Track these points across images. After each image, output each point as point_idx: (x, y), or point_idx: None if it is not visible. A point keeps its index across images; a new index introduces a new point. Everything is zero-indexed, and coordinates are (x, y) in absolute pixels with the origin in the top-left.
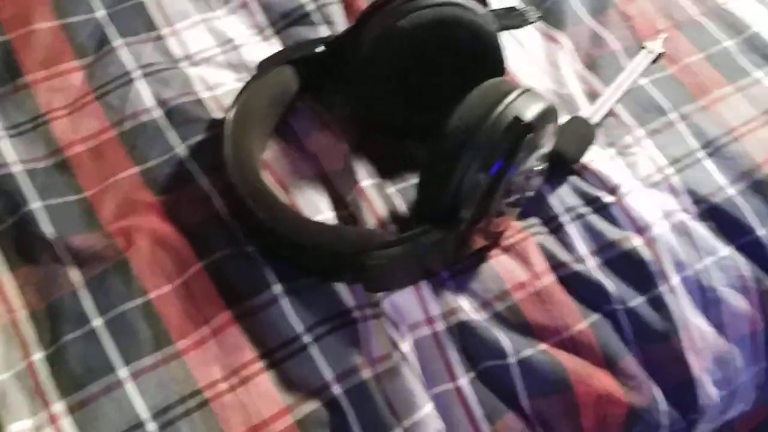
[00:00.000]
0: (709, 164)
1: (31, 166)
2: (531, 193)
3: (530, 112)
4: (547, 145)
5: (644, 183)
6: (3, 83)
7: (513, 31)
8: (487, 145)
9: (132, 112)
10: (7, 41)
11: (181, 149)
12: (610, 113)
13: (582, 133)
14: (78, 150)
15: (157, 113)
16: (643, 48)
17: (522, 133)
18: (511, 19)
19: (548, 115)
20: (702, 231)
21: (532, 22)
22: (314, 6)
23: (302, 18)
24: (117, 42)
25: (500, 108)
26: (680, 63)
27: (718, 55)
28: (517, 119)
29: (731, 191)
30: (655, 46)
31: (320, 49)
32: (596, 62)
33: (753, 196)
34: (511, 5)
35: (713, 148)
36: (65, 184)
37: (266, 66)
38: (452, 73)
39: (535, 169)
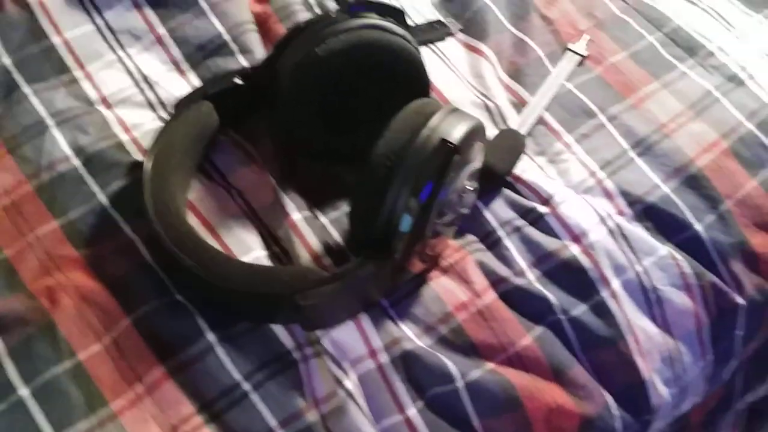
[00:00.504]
0: (642, 163)
1: None
2: (466, 211)
3: (456, 132)
4: (477, 162)
5: (578, 189)
6: None
7: (435, 45)
8: (415, 170)
9: (48, 163)
10: None
11: (102, 197)
12: (539, 121)
13: (511, 145)
14: None
15: (76, 162)
16: (567, 51)
17: (449, 154)
18: (433, 32)
19: (475, 132)
20: (639, 232)
21: (453, 34)
22: (230, 36)
23: (219, 49)
24: (26, 89)
25: (426, 131)
26: (605, 63)
27: (643, 52)
28: (443, 141)
29: (665, 189)
30: (579, 48)
31: (237, 81)
32: (521, 70)
33: (687, 191)
34: (433, 19)
35: (644, 147)
36: None
37: (183, 104)
38: (376, 95)
39: (467, 186)
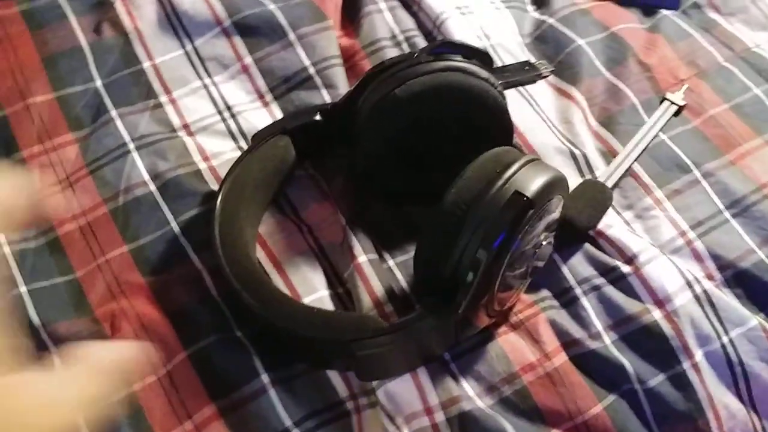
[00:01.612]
0: (737, 225)
1: (21, 246)
2: (541, 264)
3: (533, 185)
4: (555, 214)
5: (665, 249)
6: None
7: (525, 87)
8: (486, 221)
9: (126, 187)
10: (3, 116)
11: (174, 225)
12: (628, 173)
13: (596, 198)
14: (69, 228)
15: (152, 187)
16: (663, 100)
17: (523, 209)
18: (523, 74)
19: (555, 186)
20: (728, 299)
21: (544, 77)
22: (315, 70)
23: (304, 82)
24: (113, 112)
25: (500, 182)
26: (704, 115)
27: (746, 105)
28: (517, 194)
29: (761, 254)
30: (676, 97)
31: (317, 117)
32: (613, 118)
33: None
34: (524, 60)
35: (741, 208)
36: (55, 265)
37: (261, 137)
38: (455, 140)
39: (543, 239)
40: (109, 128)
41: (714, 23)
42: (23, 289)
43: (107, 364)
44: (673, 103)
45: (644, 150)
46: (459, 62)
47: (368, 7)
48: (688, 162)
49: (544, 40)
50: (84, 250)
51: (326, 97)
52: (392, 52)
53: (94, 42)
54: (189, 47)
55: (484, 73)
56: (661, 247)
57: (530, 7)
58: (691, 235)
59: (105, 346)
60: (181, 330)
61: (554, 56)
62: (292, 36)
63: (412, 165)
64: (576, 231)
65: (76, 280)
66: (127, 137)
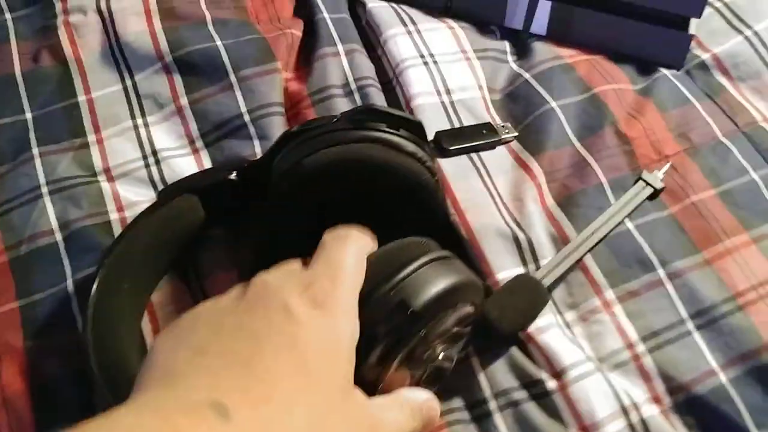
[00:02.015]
0: (699, 340)
1: None
2: (449, 365)
3: (426, 294)
4: (464, 313)
5: (606, 363)
6: None
7: (480, 154)
8: (364, 332)
9: (31, 235)
10: None
11: (70, 283)
12: (577, 266)
13: (526, 299)
14: None
15: (59, 237)
16: (638, 180)
17: (406, 322)
18: (479, 138)
19: (458, 293)
20: (673, 431)
21: (504, 143)
22: (249, 118)
23: (237, 130)
24: (35, 150)
25: (387, 285)
26: (684, 201)
27: (739, 191)
28: (401, 304)
29: (722, 377)
30: (655, 178)
31: (232, 176)
32: (573, 198)
33: (751, 385)
34: (485, 122)
35: (707, 319)
36: None
37: (167, 194)
38: (368, 217)
39: (444, 347)
40: (27, 167)
41: (720, 88)
42: None
43: None
44: (648, 184)
45: (602, 240)
46: (379, 133)
47: (323, 50)
48: (653, 258)
49: (515, 98)
50: None
51: (257, 149)
52: (340, 103)
53: (30, 70)
54: (128, 82)
55: (409, 147)
56: (601, 360)
57: (511, 57)
58: (641, 348)
59: None
60: (40, 409)
61: (522, 118)
62: (232, 78)
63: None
64: (496, 336)
65: None
66: (42, 179)
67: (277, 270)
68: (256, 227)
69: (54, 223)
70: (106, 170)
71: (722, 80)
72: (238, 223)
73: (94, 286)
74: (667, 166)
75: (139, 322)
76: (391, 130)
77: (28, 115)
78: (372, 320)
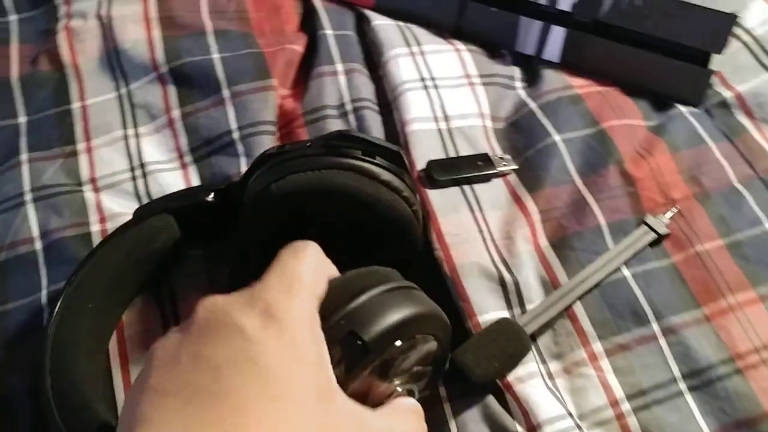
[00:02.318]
0: (691, 402)
1: None
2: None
3: (379, 323)
4: (426, 350)
5: (586, 420)
6: None
7: (473, 186)
8: None
9: (11, 242)
10: None
11: (44, 294)
12: (565, 314)
13: (505, 347)
14: None
15: (38, 245)
16: (641, 224)
17: (356, 352)
18: (474, 170)
19: (415, 325)
20: None
21: (500, 176)
22: (239, 135)
23: (225, 147)
24: (23, 156)
25: (341, 313)
26: (688, 250)
27: (750, 244)
28: (351, 334)
29: None
30: (659, 223)
31: (209, 197)
32: (568, 240)
33: None
34: (482, 152)
35: (702, 381)
36: None
37: (142, 213)
38: (337, 245)
39: (403, 382)
40: (13, 173)
41: (741, 130)
42: None
43: None
44: (651, 229)
45: (594, 287)
46: (352, 160)
47: (321, 68)
48: (648, 310)
49: (519, 128)
50: None
51: (243, 168)
52: (334, 123)
53: (27, 74)
54: (123, 90)
55: (383, 175)
56: (582, 417)
57: (519, 84)
58: (626, 406)
59: None
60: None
61: (523, 150)
62: (225, 93)
63: None
64: (469, 384)
65: None
66: (27, 186)
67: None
68: (231, 249)
69: (35, 232)
70: (92, 180)
71: (744, 121)
72: (214, 244)
73: (56, 308)
74: (675, 210)
75: (105, 344)
76: (366, 158)
77: (22, 120)
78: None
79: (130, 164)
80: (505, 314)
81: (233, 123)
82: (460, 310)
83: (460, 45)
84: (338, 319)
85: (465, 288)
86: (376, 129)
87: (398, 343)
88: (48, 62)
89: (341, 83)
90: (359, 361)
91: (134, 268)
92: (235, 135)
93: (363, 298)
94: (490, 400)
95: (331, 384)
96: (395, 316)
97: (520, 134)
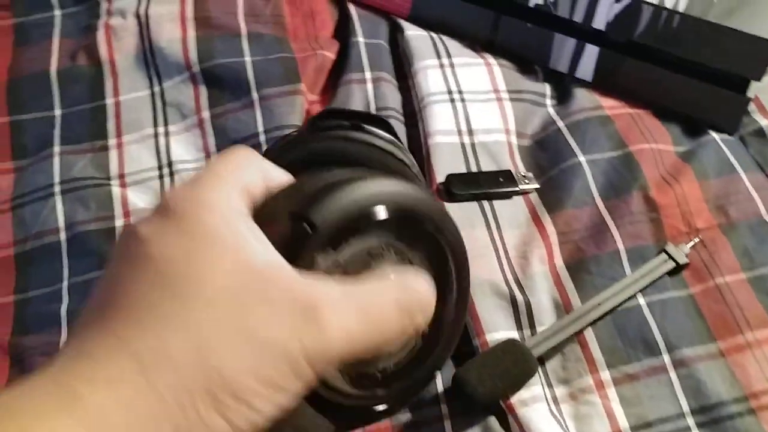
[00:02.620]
0: None
1: None
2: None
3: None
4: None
5: None
6: None
7: (493, 202)
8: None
9: (38, 231)
10: None
11: (65, 285)
12: (575, 338)
13: (511, 368)
14: None
15: (63, 236)
16: (661, 252)
17: (300, 233)
18: (494, 186)
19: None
20: None
21: (522, 194)
22: (265, 138)
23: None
24: (56, 148)
25: (282, 198)
26: (708, 282)
27: None
28: (294, 216)
29: None
30: (679, 252)
31: None
32: (585, 263)
33: None
34: (505, 169)
35: (712, 417)
36: None
37: None
38: None
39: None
40: (45, 164)
41: None
42: None
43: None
44: (671, 258)
45: (608, 313)
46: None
47: (350, 75)
48: (660, 341)
49: (544, 146)
50: None
51: None
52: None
53: (65, 68)
54: (156, 88)
55: (376, 141)
56: None
57: (549, 102)
58: None
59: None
60: None
61: (548, 169)
62: (254, 95)
63: None
64: (471, 403)
65: None
66: (57, 178)
67: None
68: None
69: (61, 223)
70: (121, 176)
71: None
72: None
73: None
74: (697, 239)
75: None
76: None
77: (57, 113)
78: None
79: (158, 162)
80: (515, 334)
81: (260, 125)
82: (468, 327)
83: (492, 59)
84: (279, 205)
85: (475, 305)
86: (400, 138)
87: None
88: (86, 58)
89: (368, 91)
90: (303, 244)
91: None
92: (261, 138)
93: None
94: (492, 421)
95: (257, 260)
96: (352, 191)
97: (545, 152)
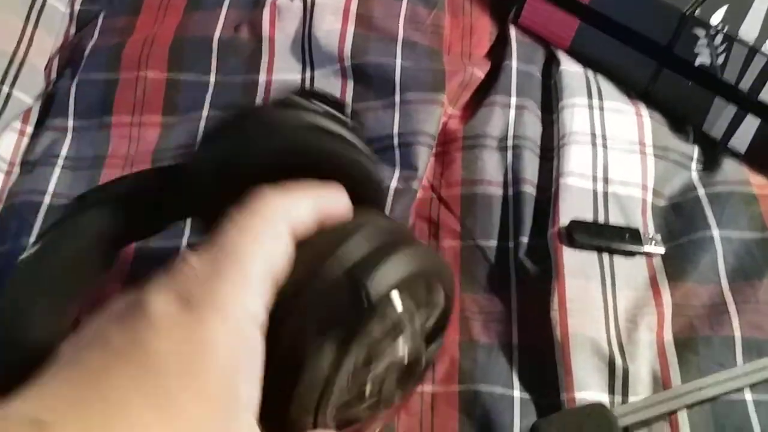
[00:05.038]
0: None
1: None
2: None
3: (387, 272)
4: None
5: None
6: (90, 116)
7: (613, 256)
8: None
9: None
10: (116, 80)
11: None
12: (666, 418)
13: (595, 429)
14: None
15: None
16: None
17: (360, 306)
18: (618, 242)
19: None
20: None
21: (646, 255)
22: (398, 141)
23: (383, 151)
24: (205, 112)
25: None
26: None
27: None
28: (351, 280)
29: None
30: None
31: (152, 181)
32: (694, 343)
33: None
34: (633, 227)
35: None
36: None
37: (84, 204)
38: None
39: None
40: (192, 125)
41: None
42: None
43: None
44: None
45: (707, 401)
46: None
47: (495, 97)
48: None
49: (679, 211)
50: None
51: (396, 175)
52: (490, 154)
53: (227, 38)
54: (308, 74)
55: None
56: None
57: (695, 165)
58: None
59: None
60: None
61: (677, 236)
62: (397, 98)
63: None
64: None
65: None
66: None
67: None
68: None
69: None
70: None
71: None
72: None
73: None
74: None
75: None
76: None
77: (212, 79)
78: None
79: None
80: (605, 398)
81: (396, 128)
82: (559, 380)
83: (644, 110)
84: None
85: (570, 359)
86: (531, 170)
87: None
88: (248, 31)
89: (510, 117)
90: (356, 315)
91: (76, 266)
92: (395, 140)
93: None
94: None
95: (240, 403)
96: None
97: (679, 218)
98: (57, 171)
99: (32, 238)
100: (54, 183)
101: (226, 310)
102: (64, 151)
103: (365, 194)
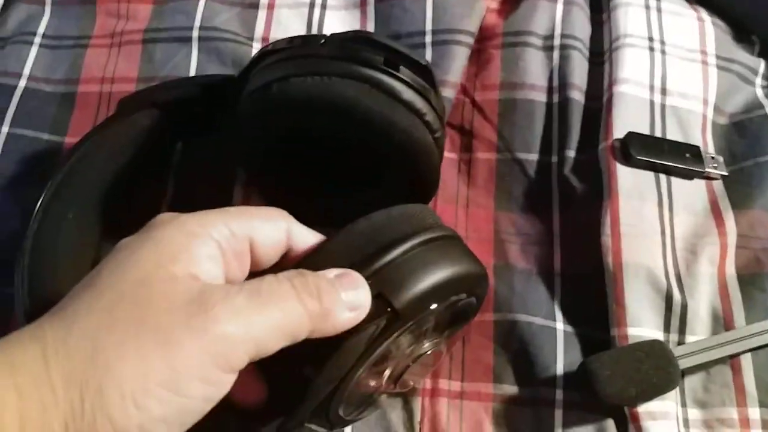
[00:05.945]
0: None
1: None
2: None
3: (413, 285)
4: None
5: None
6: None
7: (671, 178)
8: None
9: (164, 76)
10: None
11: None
12: (728, 360)
13: (651, 372)
14: (88, 89)
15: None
16: None
17: (387, 319)
18: (678, 161)
19: (452, 286)
20: None
21: (706, 178)
22: (431, 39)
23: (413, 48)
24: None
25: (372, 267)
26: None
27: None
28: (380, 299)
29: None
30: None
31: (203, 91)
32: (760, 278)
33: None
34: (694, 144)
35: None
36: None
37: (127, 107)
38: (345, 161)
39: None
40: (188, 5)
41: None
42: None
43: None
44: None
45: None
46: (371, 71)
47: None
48: None
49: (743, 131)
50: (89, 118)
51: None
52: (533, 54)
53: None
54: None
55: (405, 94)
56: None
57: (760, 81)
58: None
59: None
60: None
61: (741, 158)
62: None
63: (285, 177)
64: (596, 395)
65: None
66: (197, 22)
67: None
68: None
69: (193, 71)
70: (264, 39)
71: None
72: (205, 141)
73: (34, 217)
74: None
75: (90, 255)
76: (387, 68)
77: None
78: None
79: (308, 30)
80: (660, 336)
81: (429, 23)
82: (610, 312)
83: (705, 14)
84: (372, 272)
85: (624, 292)
86: (579, 75)
87: (433, 306)
88: None
89: (557, 13)
90: (387, 332)
91: (119, 170)
92: (428, 38)
93: (396, 252)
94: (609, 424)
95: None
96: (445, 273)
97: (743, 138)
98: (34, 50)
99: (5, 126)
100: (30, 64)
101: (183, 228)
102: (41, 28)
103: (418, 183)
